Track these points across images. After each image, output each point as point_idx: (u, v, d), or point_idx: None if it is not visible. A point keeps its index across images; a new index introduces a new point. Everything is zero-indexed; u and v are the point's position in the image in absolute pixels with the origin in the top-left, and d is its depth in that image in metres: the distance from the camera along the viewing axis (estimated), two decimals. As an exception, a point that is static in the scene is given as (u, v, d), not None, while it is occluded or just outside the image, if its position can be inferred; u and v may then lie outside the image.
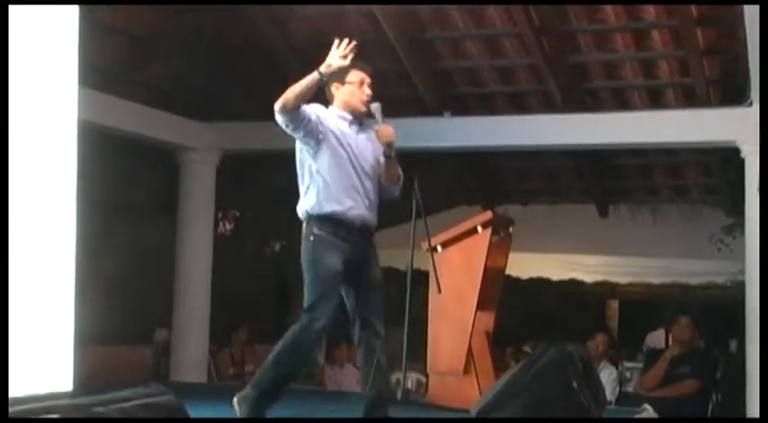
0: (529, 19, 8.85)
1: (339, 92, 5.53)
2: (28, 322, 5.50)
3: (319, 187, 5.37)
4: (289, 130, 5.32)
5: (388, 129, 5.46)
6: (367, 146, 5.53)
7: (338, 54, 5.28)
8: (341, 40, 5.32)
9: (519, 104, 10.31)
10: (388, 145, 5.46)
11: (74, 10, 6.11)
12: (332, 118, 5.46)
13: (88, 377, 6.65)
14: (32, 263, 5.61)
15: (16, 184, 5.28)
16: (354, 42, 5.33)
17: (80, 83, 6.11)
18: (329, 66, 5.28)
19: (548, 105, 9.94)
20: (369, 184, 5.47)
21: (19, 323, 5.28)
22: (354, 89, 5.51)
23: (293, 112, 5.23)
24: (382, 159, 5.53)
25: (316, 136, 5.34)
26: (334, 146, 5.38)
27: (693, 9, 8.53)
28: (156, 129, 9.46)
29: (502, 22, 9.21)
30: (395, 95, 10.42)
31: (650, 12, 8.86)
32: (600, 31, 9.25)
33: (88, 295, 6.43)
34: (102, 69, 8.48)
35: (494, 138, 9.74)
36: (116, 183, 9.58)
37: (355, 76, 5.52)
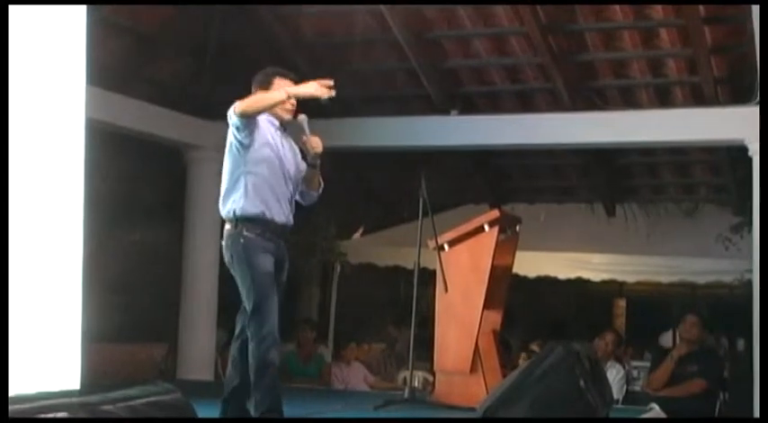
0: (536, 17, 8.82)
1: None
2: (35, 320, 5.52)
3: (247, 188, 5.52)
4: (238, 134, 5.49)
5: (317, 140, 5.70)
6: (289, 152, 5.72)
7: (313, 86, 5.47)
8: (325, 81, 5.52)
9: (526, 103, 10.28)
10: (316, 156, 5.70)
11: (81, 9, 6.12)
12: (262, 121, 5.60)
13: (96, 375, 6.65)
14: (39, 261, 5.62)
15: (23, 183, 5.30)
16: (332, 84, 5.51)
17: (87, 81, 6.12)
18: (298, 92, 5.51)
19: (555, 104, 9.91)
20: (291, 189, 5.68)
21: (26, 321, 5.29)
22: None
23: (251, 119, 5.44)
24: (303, 167, 5.76)
25: (253, 138, 5.50)
26: (265, 149, 5.55)
27: (701, 7, 8.49)
28: (163, 127, 9.45)
29: (509, 20, 9.17)
30: (402, 94, 10.48)
31: (658, 10, 8.81)
32: (607, 29, 9.21)
33: (95, 293, 6.42)
34: (109, 67, 8.46)
35: (501, 136, 9.73)
36: (123, 181, 9.57)
37: (279, 85, 5.68)
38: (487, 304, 6.83)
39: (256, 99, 5.49)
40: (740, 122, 8.73)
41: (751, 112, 8.39)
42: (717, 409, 8.29)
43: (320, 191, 5.85)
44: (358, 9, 9.15)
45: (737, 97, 9.20)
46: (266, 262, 5.45)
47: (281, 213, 5.55)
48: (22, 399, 3.29)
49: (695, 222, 11.44)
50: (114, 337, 8.85)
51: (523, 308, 11.72)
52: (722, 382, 8.56)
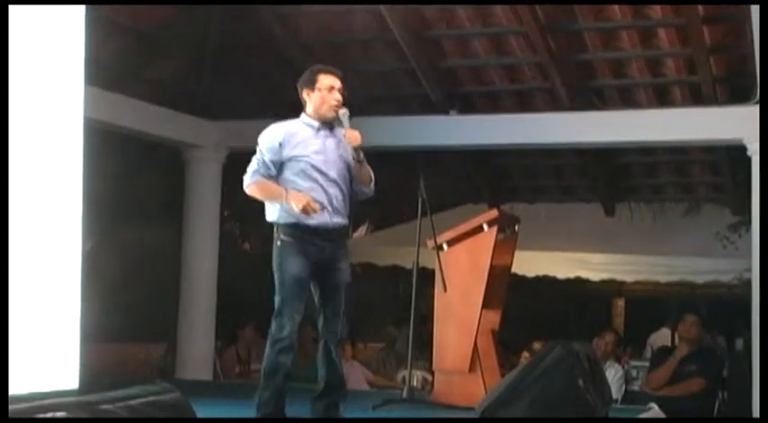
0: (535, 17, 8.80)
1: (310, 98, 5.69)
2: (34, 320, 5.53)
3: None
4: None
5: (354, 134, 5.64)
6: (336, 151, 5.68)
7: (301, 205, 5.39)
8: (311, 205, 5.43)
9: (525, 102, 10.27)
10: (356, 149, 5.64)
11: (80, 8, 6.12)
12: (298, 130, 5.62)
13: (94, 374, 6.65)
14: (38, 261, 5.64)
15: (22, 183, 5.30)
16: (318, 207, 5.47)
17: (86, 81, 6.11)
18: (293, 204, 5.42)
19: (554, 103, 9.89)
20: (333, 190, 5.62)
21: (25, 321, 5.30)
22: (324, 95, 5.66)
23: None
24: (352, 162, 5.69)
25: (285, 154, 5.55)
26: (299, 159, 5.55)
27: (700, 7, 8.47)
28: (161, 127, 9.41)
29: (508, 19, 9.16)
30: (401, 94, 10.46)
31: (656, 10, 8.80)
32: (606, 29, 9.21)
33: (94, 293, 6.42)
34: (108, 66, 8.44)
35: (500, 136, 9.70)
36: (122, 181, 9.55)
37: (324, 82, 5.69)
38: (486, 304, 6.81)
39: (260, 192, 5.59)
40: (739, 122, 8.70)
41: (750, 112, 8.38)
42: (715, 409, 8.27)
43: (372, 185, 5.80)
44: (357, 9, 9.14)
45: (736, 97, 9.18)
46: (298, 267, 5.48)
47: (322, 219, 5.53)
48: (20, 398, 3.28)
49: (694, 222, 11.41)
50: (113, 337, 8.88)
51: (522, 307, 11.70)
52: (721, 382, 8.53)
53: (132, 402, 3.35)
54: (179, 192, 10.06)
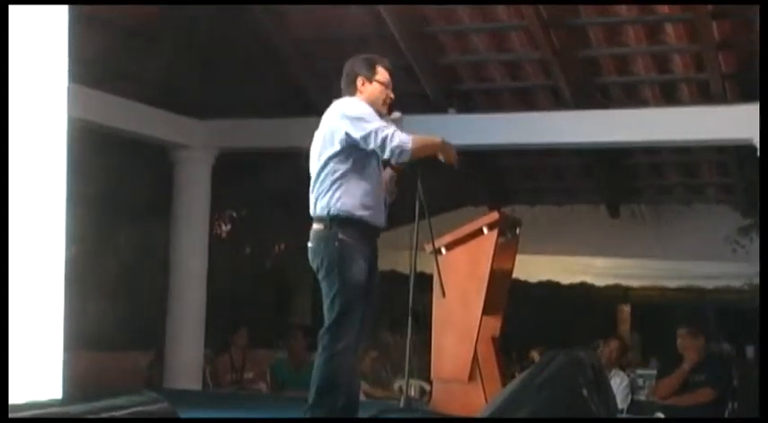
0: (537, 12, 8.75)
1: (366, 88, 5.45)
2: (15, 327, 5.41)
3: (347, 188, 5.19)
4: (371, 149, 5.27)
5: None
6: None
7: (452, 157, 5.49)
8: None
9: (527, 100, 10.21)
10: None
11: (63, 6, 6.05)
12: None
13: (78, 384, 6.54)
14: (20, 265, 5.49)
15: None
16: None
17: (70, 79, 6.04)
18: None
19: (556, 101, 9.84)
20: (383, 186, 5.42)
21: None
22: (383, 89, 5.47)
23: None
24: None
25: None
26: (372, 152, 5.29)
27: (707, 1, 8.47)
28: (149, 126, 9.35)
29: (509, 15, 9.11)
30: (397, 91, 10.21)
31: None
32: (611, 24, 9.14)
33: (78, 298, 6.28)
34: (93, 64, 8.38)
35: (500, 135, 9.65)
36: (108, 182, 9.48)
37: (384, 76, 5.51)
38: (486, 310, 6.70)
39: (424, 146, 5.41)
40: (749, 120, 8.61)
41: (761, 110, 8.26)
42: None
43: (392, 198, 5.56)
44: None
45: (746, 95, 9.07)
46: (359, 271, 5.12)
47: (379, 214, 5.28)
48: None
49: (702, 225, 11.44)
50: (98, 344, 8.77)
51: (524, 314, 11.59)
52: (731, 392, 8.36)
53: (118, 413, 3.31)
54: (167, 194, 10.02)
